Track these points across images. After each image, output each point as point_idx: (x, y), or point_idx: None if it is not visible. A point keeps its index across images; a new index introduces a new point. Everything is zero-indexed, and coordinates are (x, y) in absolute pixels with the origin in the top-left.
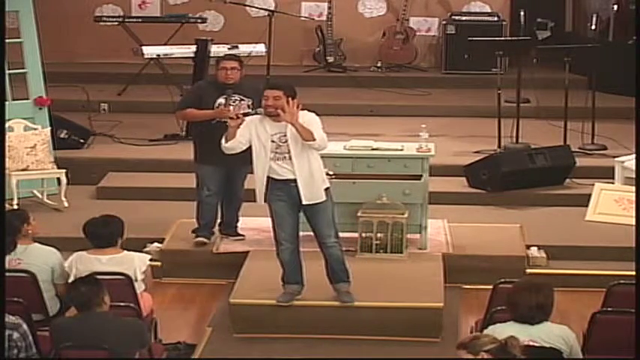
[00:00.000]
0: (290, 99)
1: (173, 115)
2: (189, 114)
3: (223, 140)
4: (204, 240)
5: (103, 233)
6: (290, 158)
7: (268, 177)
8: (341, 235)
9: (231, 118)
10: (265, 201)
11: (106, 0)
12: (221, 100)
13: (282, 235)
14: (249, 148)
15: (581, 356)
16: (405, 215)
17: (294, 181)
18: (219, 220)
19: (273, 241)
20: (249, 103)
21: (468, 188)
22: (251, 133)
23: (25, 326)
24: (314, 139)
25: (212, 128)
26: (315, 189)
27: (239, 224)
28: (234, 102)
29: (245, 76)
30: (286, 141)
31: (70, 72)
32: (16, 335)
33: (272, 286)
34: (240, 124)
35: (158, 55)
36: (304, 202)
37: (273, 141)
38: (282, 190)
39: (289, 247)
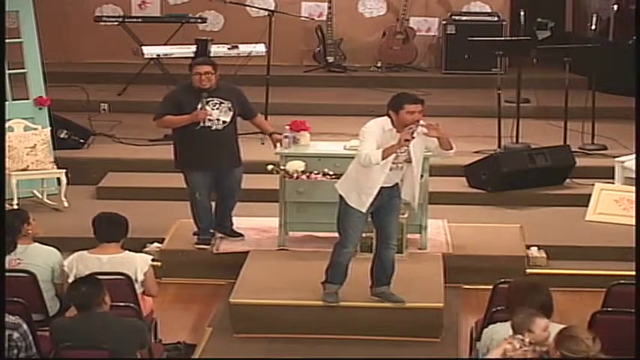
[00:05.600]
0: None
1: None
2: (167, 121)
3: (380, 157)
4: (205, 247)
5: (110, 227)
6: (400, 169)
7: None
8: None
9: (407, 140)
10: (352, 204)
11: (106, 0)
12: (201, 105)
13: (353, 239)
14: (238, 150)
15: None
16: (405, 215)
17: (391, 186)
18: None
19: (340, 243)
20: (229, 105)
21: (468, 188)
22: (379, 146)
23: (25, 326)
24: (452, 148)
25: (196, 134)
26: (416, 192)
27: (234, 225)
28: (214, 105)
29: (220, 77)
30: (405, 150)
31: (70, 72)
32: (16, 335)
33: (272, 286)
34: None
35: (158, 55)
36: (403, 197)
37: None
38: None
39: (351, 251)
